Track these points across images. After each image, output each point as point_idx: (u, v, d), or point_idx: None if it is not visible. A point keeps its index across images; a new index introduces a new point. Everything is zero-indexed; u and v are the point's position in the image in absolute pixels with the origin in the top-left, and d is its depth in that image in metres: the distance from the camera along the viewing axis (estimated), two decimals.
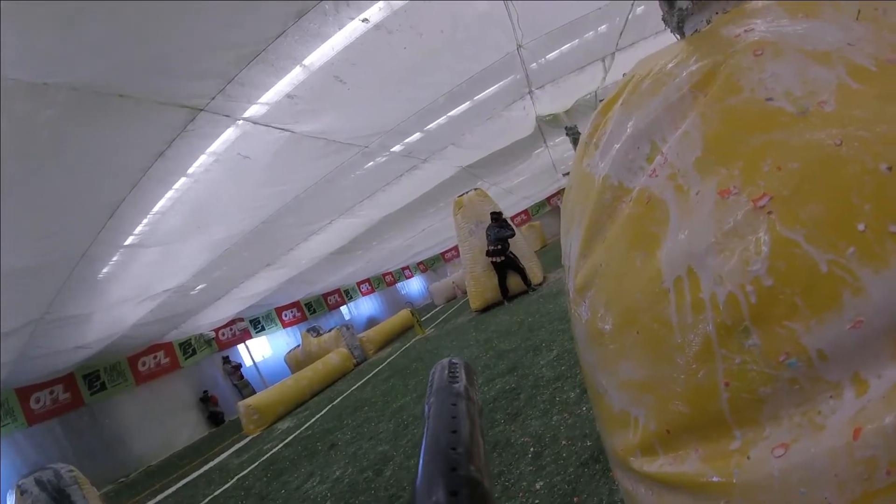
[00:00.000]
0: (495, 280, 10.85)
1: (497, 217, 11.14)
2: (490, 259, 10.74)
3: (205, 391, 15.61)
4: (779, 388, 0.73)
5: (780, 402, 0.74)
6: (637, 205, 0.97)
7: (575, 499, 2.41)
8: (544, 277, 11.45)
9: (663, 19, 1.28)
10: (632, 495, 1.02)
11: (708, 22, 1.11)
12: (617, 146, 1.05)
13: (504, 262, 10.65)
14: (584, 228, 1.10)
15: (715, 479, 0.78)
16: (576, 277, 1.12)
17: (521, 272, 10.76)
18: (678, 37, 1.24)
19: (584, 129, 1.21)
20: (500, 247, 10.61)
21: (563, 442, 3.03)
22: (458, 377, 0.86)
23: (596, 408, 1.16)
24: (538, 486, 2.68)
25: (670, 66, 1.03)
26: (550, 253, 18.54)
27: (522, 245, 11.43)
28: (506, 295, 10.81)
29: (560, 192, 29.74)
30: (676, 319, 0.85)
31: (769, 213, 0.77)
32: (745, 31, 0.97)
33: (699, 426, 0.82)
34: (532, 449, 3.15)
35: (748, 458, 0.75)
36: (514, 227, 11.40)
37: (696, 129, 0.92)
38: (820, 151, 0.77)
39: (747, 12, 1.02)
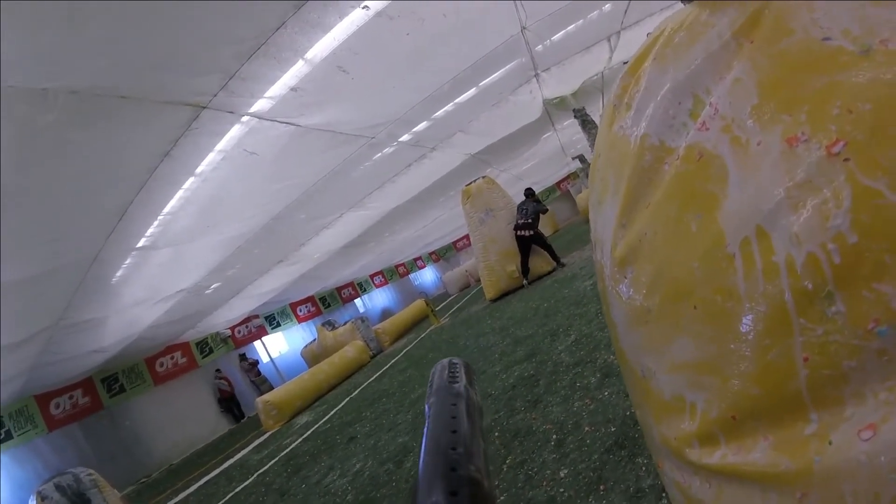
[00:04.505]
0: (509, 268, 10.75)
1: (532, 193, 11.24)
2: (517, 233, 10.62)
3: (217, 370, 15.90)
4: (865, 361, 0.64)
5: (865, 378, 0.64)
6: (686, 162, 0.87)
7: (601, 486, 2.34)
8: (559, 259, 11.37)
9: None
10: (683, 488, 0.93)
11: None
12: (654, 103, 0.96)
13: (532, 237, 10.57)
14: (621, 196, 1.00)
15: (792, 468, 0.69)
16: (613, 251, 1.03)
17: (549, 248, 10.71)
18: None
19: (608, 97, 1.13)
20: (531, 221, 10.55)
21: (587, 428, 2.95)
22: (458, 377, 0.85)
23: (637, 395, 1.06)
24: (563, 474, 2.62)
25: (705, 16, 0.94)
26: (563, 237, 18.43)
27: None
28: (526, 275, 10.73)
29: (570, 177, 29.60)
30: (744, 288, 0.75)
31: (845, 159, 0.68)
32: None
33: (771, 410, 0.73)
34: (555, 436, 3.08)
35: (830, 442, 0.66)
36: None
37: (748, 76, 0.82)
38: (891, 90, 0.69)
39: None
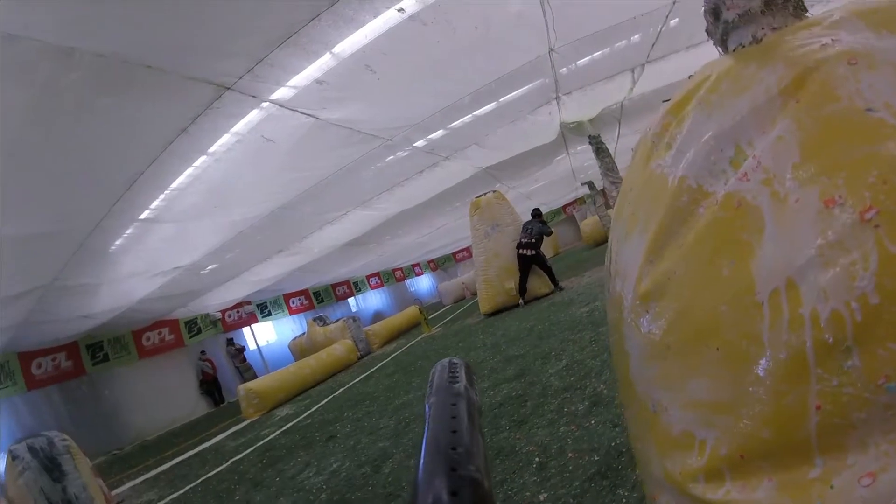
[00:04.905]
0: (508, 284, 10.78)
1: (538, 213, 11.39)
2: (519, 251, 10.69)
3: (202, 351, 15.87)
4: (873, 414, 0.69)
5: (870, 429, 0.70)
6: (724, 209, 0.91)
7: None
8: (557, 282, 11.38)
9: (707, 31, 1.24)
10: None
11: (753, 36, 1.08)
12: (695, 147, 1.00)
13: (532, 258, 10.63)
14: (652, 232, 1.03)
15: None
16: (638, 285, 1.05)
17: (549, 271, 10.78)
18: (721, 50, 1.20)
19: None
20: (534, 241, 10.61)
21: (570, 454, 2.95)
22: (458, 377, 0.86)
23: (640, 427, 1.08)
24: (542, 498, 2.61)
25: (752, 68, 0.98)
26: (563, 261, 18.46)
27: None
28: (523, 294, 10.75)
29: (577, 202, 29.69)
30: (769, 336, 0.79)
31: (876, 226, 0.72)
32: (832, 40, 0.92)
33: (779, 452, 0.78)
34: (537, 459, 3.07)
35: (831, 487, 0.71)
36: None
37: (791, 135, 0.87)
38: None
39: (825, 24, 0.97)
